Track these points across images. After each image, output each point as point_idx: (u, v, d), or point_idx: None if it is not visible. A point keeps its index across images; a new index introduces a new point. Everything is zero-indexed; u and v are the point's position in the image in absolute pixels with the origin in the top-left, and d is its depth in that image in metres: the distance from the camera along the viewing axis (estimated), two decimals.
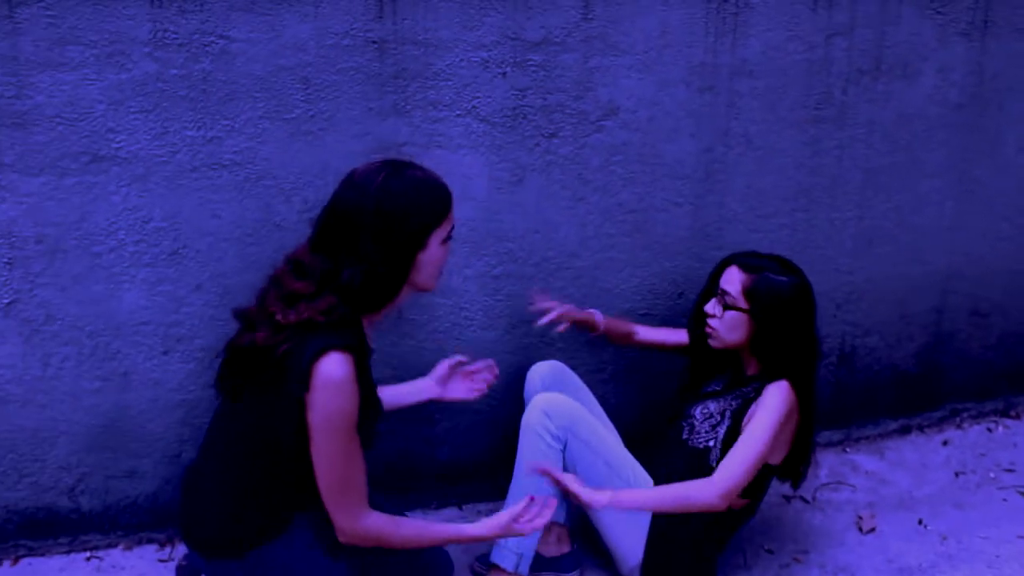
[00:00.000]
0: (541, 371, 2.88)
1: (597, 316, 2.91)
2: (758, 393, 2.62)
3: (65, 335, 2.63)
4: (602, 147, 2.88)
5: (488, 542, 2.57)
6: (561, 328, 2.85)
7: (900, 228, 3.27)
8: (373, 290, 2.13)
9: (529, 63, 2.75)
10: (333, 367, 2.04)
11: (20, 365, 2.62)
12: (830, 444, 3.44)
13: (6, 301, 2.56)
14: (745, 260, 2.67)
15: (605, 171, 2.90)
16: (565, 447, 2.64)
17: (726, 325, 2.67)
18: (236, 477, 2.22)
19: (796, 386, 2.60)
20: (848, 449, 3.44)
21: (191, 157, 2.58)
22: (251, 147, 2.61)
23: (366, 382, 2.18)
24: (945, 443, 3.48)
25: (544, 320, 2.79)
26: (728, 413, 2.70)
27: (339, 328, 2.10)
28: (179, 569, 2.59)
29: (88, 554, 2.79)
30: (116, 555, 2.81)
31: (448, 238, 2.21)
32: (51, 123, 2.46)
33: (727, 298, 2.65)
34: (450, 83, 2.71)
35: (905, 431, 3.53)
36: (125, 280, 2.62)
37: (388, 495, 2.86)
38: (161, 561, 2.78)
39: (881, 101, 3.09)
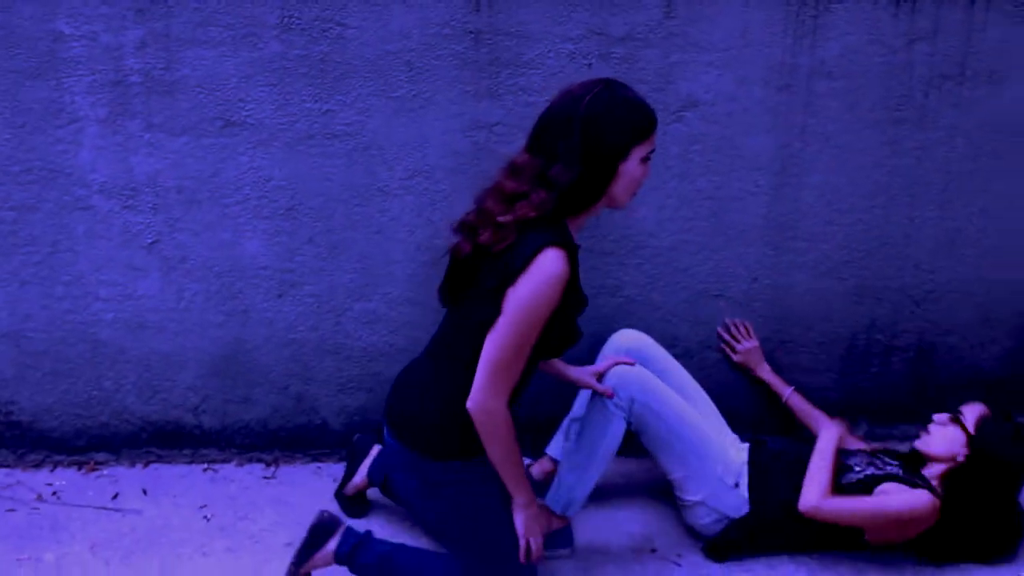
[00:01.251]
0: (622, 340, 3.18)
1: (788, 395, 3.35)
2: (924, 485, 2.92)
3: (196, 274, 3.14)
4: (681, 137, 3.15)
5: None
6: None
7: (984, 233, 3.39)
8: (579, 189, 2.35)
9: (612, 56, 3.06)
10: (550, 262, 2.30)
11: (159, 296, 3.15)
12: (907, 437, 3.56)
13: (149, 241, 3.10)
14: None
15: (683, 159, 3.17)
16: (630, 413, 2.93)
17: (946, 437, 2.96)
18: (448, 381, 2.48)
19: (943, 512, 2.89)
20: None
21: (308, 126, 3.03)
22: (360, 120, 3.04)
23: (574, 283, 2.44)
24: None
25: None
26: (887, 471, 2.97)
27: (552, 225, 2.36)
28: (356, 442, 3.08)
29: (206, 466, 3.31)
30: (229, 469, 3.30)
31: (648, 158, 2.41)
32: (193, 92, 2.97)
33: (962, 417, 2.96)
34: (539, 71, 3.05)
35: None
36: (248, 230, 3.11)
37: None
38: (265, 479, 3.25)
39: (965, 106, 3.23)
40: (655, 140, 2.42)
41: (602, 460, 2.81)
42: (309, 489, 3.21)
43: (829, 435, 3.02)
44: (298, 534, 2.93)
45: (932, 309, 3.46)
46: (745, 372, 3.42)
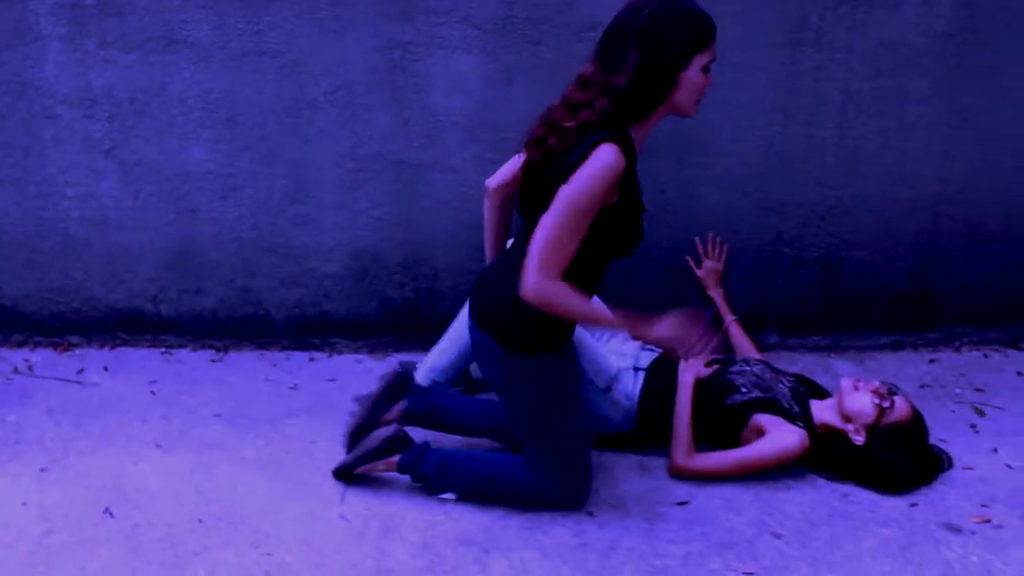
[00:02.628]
0: None
1: (730, 322, 3.63)
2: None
3: (150, 176, 3.60)
4: (584, 56, 3.43)
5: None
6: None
7: (883, 151, 3.59)
8: (640, 94, 2.53)
9: None
10: (605, 153, 2.48)
11: (118, 196, 3.63)
12: (816, 348, 3.84)
13: (108, 147, 3.57)
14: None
15: None
16: None
17: (861, 407, 3.10)
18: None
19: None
20: (833, 355, 3.83)
21: (241, 45, 3.44)
22: (287, 39, 3.43)
23: (630, 180, 2.63)
24: (932, 361, 3.78)
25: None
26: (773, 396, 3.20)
27: (612, 126, 2.54)
28: (391, 376, 3.15)
29: (164, 350, 3.81)
30: (183, 353, 3.79)
31: (707, 68, 2.57)
32: (140, 13, 3.41)
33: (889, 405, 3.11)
34: None
35: (897, 347, 3.85)
36: (193, 138, 3.55)
37: (398, 335, 3.67)
38: (213, 362, 3.74)
39: (860, 28, 3.43)
40: (715, 49, 2.58)
41: None
42: (249, 371, 3.68)
43: (684, 390, 3.21)
44: (228, 407, 3.43)
45: (837, 224, 3.69)
46: (700, 288, 3.73)
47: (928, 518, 2.92)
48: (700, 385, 3.25)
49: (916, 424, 3.12)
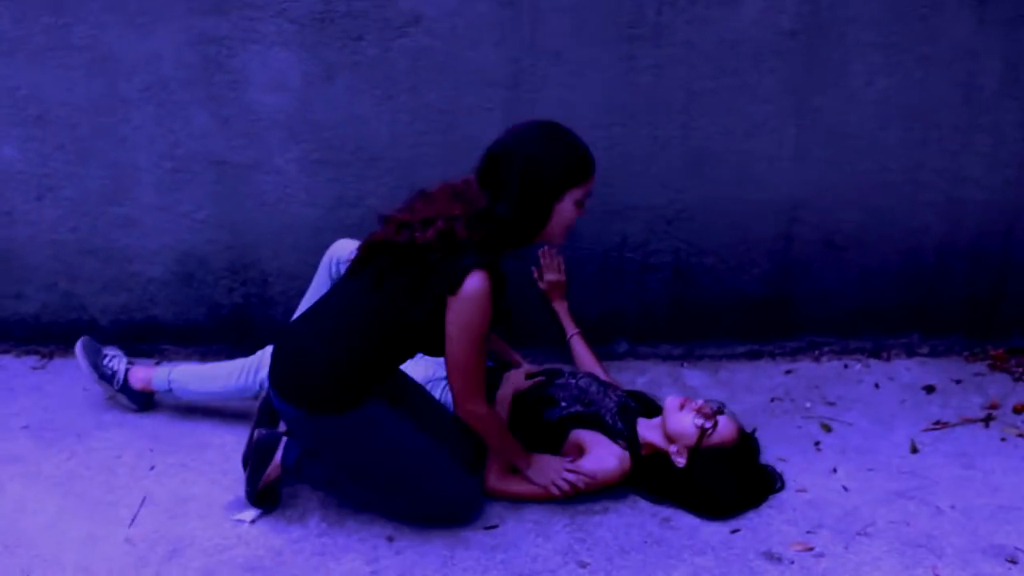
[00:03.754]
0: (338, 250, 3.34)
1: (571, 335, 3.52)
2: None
3: None
4: (408, 51, 3.31)
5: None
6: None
7: (730, 153, 3.45)
8: (516, 226, 2.66)
9: None
10: (478, 283, 2.58)
11: None
12: (668, 357, 3.72)
13: None
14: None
15: (412, 74, 3.33)
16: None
17: (683, 427, 2.98)
18: (355, 345, 2.72)
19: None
20: (685, 364, 3.70)
21: (47, 39, 3.30)
22: (95, 34, 3.30)
23: (498, 299, 2.69)
24: (789, 372, 3.65)
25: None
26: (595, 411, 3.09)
27: (485, 251, 2.63)
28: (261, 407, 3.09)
29: None
30: (6, 359, 3.69)
31: (582, 203, 2.71)
32: None
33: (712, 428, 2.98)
34: None
35: (754, 356, 3.72)
36: (3, 135, 3.42)
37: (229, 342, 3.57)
38: (34, 368, 3.62)
39: (700, 23, 3.28)
40: (592, 186, 2.70)
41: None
42: (69, 379, 3.54)
43: (500, 404, 3.09)
44: (37, 417, 3.32)
45: (685, 229, 3.55)
46: (546, 300, 3.59)
47: (748, 546, 2.80)
48: (519, 399, 3.13)
49: (740, 447, 3.00)
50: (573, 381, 3.19)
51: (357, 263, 2.80)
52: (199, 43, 3.29)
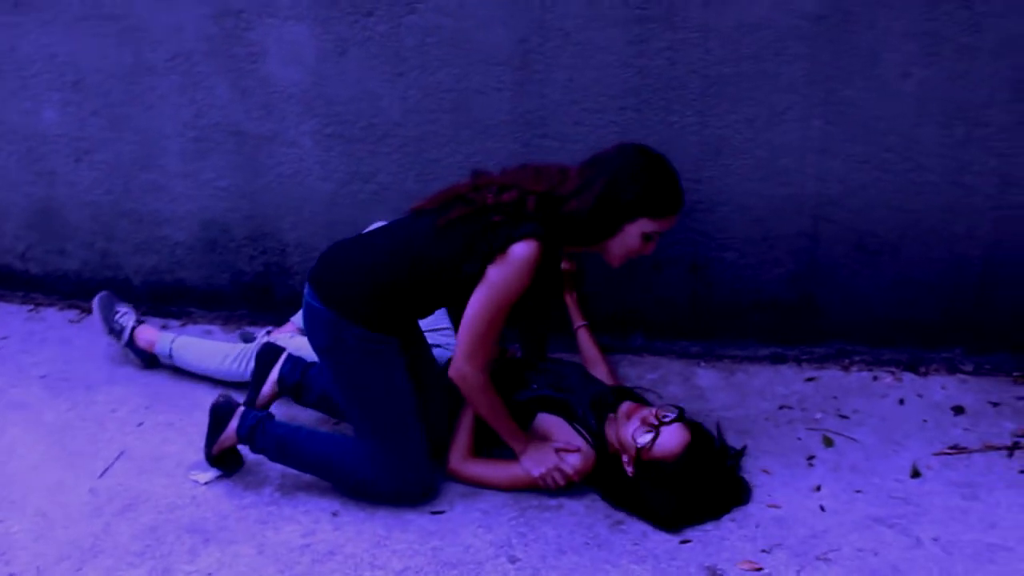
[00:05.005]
0: None
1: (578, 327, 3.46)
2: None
3: (8, 136, 3.74)
4: (416, 28, 3.30)
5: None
6: None
7: (752, 144, 3.28)
8: (585, 225, 2.70)
9: None
10: (527, 250, 2.63)
11: None
12: (685, 355, 3.58)
13: None
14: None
15: (421, 51, 3.33)
16: None
17: (628, 434, 2.90)
18: (399, 269, 2.77)
19: None
20: (702, 363, 3.55)
21: (82, 8, 3.49)
22: (126, 4, 3.46)
23: (545, 275, 2.76)
24: (810, 379, 3.44)
25: None
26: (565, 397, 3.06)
27: (547, 225, 2.68)
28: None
29: (32, 307, 3.96)
30: (49, 312, 3.95)
31: (651, 238, 2.74)
32: None
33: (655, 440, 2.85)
34: None
35: (778, 360, 3.53)
36: (44, 100, 3.64)
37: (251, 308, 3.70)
38: (71, 322, 3.87)
39: (717, 5, 3.12)
40: (667, 227, 2.74)
41: None
42: (99, 334, 3.71)
43: None
44: (57, 368, 3.54)
45: (703, 221, 3.40)
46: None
47: (692, 558, 2.68)
48: (491, 378, 3.10)
49: (683, 461, 2.82)
50: (553, 368, 3.14)
51: (428, 204, 2.85)
52: (219, 16, 3.40)
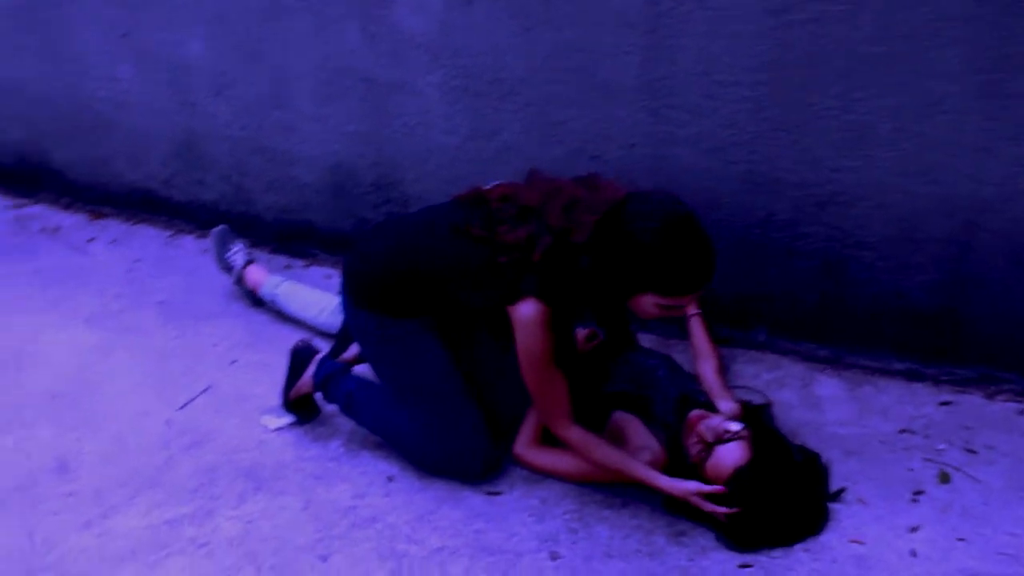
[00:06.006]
0: None
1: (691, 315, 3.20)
2: None
3: (159, 65, 3.86)
4: None
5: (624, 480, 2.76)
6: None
7: (900, 136, 2.92)
8: (590, 292, 2.52)
9: None
10: (530, 311, 2.47)
11: (133, 80, 3.94)
12: (811, 358, 3.27)
13: (122, 32, 3.83)
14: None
15: (548, 6, 3.15)
16: None
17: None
18: (405, 261, 2.70)
19: None
20: (828, 370, 3.23)
21: None
22: None
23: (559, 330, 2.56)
24: (945, 404, 3.07)
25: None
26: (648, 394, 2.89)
27: (548, 281, 2.48)
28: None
29: (172, 233, 4.10)
30: (187, 239, 4.08)
31: (667, 309, 2.46)
32: None
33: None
34: None
35: (914, 377, 3.16)
36: (191, 31, 3.72)
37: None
38: (204, 252, 3.95)
39: None
40: (683, 302, 2.47)
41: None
42: None
43: None
44: (178, 296, 3.67)
45: (838, 215, 3.07)
46: None
47: None
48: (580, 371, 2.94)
49: (737, 483, 2.56)
50: (640, 359, 2.95)
51: (464, 197, 2.73)
52: None
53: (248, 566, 2.57)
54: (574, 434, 2.66)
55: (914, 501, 2.74)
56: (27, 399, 3.16)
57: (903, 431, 2.99)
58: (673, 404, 2.82)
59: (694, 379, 2.97)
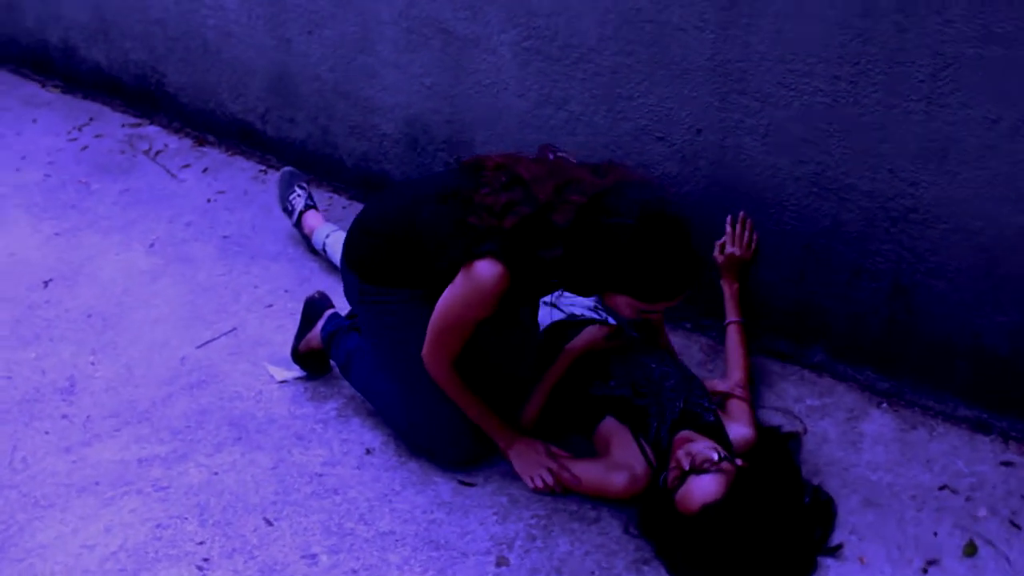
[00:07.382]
0: None
1: (729, 322, 2.98)
2: None
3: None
4: None
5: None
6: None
7: (991, 152, 2.52)
8: (558, 274, 2.38)
9: None
10: (489, 272, 2.31)
11: (237, 11, 3.93)
12: (870, 388, 2.93)
13: None
14: None
15: None
16: None
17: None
18: (389, 225, 2.61)
19: None
20: (885, 405, 2.88)
21: None
22: None
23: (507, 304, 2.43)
24: (1007, 464, 2.68)
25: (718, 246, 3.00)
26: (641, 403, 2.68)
27: (516, 250, 2.32)
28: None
29: (263, 167, 4.10)
30: (273, 177, 4.03)
31: (644, 313, 2.38)
32: None
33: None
34: None
35: (980, 428, 2.78)
36: None
37: None
38: (301, 187, 3.86)
39: None
40: (659, 308, 2.37)
41: None
42: None
43: (563, 358, 2.70)
44: (243, 232, 3.70)
45: (914, 235, 2.71)
46: (716, 274, 3.05)
47: None
48: (580, 360, 2.73)
49: (699, 521, 2.30)
50: (649, 363, 2.70)
51: (462, 166, 2.58)
52: None
53: (193, 517, 2.54)
54: (446, 373, 2.54)
55: (923, 572, 2.42)
56: (65, 315, 3.25)
57: (944, 487, 2.65)
58: (671, 421, 2.58)
59: (710, 396, 2.71)
